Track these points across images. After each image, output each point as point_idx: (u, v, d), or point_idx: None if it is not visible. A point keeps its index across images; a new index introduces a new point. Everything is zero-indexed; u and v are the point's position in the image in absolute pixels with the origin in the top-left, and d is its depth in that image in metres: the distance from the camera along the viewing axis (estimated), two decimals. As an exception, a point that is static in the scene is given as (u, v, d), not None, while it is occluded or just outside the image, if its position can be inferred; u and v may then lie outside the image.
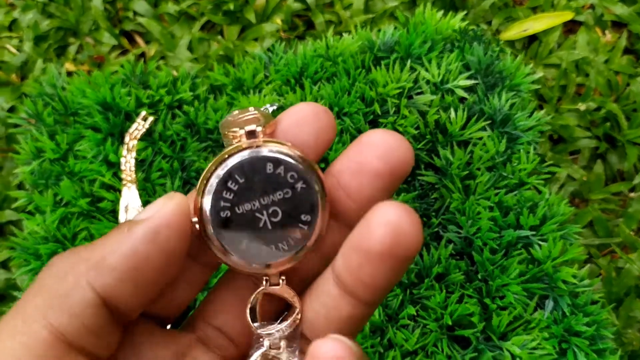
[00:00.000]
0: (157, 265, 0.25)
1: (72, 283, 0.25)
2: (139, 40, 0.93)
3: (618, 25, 0.94)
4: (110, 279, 0.25)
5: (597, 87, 0.86)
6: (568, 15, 0.89)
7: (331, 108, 0.73)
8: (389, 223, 0.24)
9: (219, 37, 0.91)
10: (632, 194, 0.78)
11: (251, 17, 0.90)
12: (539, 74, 0.79)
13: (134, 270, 0.25)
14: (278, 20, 0.91)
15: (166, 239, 0.25)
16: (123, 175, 0.68)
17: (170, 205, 0.26)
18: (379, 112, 0.71)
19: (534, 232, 0.65)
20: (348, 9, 0.92)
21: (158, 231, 0.25)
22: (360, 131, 0.70)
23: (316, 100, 0.73)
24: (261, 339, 0.29)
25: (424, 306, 0.63)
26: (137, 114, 0.73)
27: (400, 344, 0.62)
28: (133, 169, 0.68)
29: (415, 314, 0.63)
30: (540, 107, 0.85)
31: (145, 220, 0.25)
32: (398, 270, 0.25)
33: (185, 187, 0.72)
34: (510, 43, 0.90)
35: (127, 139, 0.70)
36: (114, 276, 0.25)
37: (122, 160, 0.68)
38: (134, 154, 0.69)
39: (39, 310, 0.25)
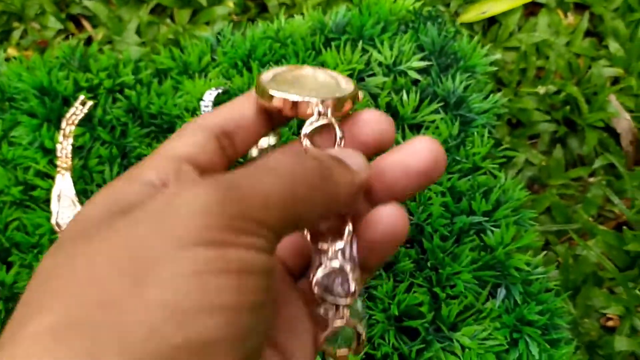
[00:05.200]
0: None
1: None
2: (86, 24, 0.89)
3: (581, 7, 0.92)
4: None
5: (557, 70, 0.84)
6: (529, -3, 0.87)
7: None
8: (432, 150, 0.29)
9: (169, 20, 0.88)
10: (591, 179, 0.76)
11: (202, -1, 0.87)
12: (497, 55, 0.76)
13: None
14: (230, 3, 0.88)
15: None
16: (58, 162, 0.64)
17: None
18: (328, 95, 0.68)
19: (486, 218, 0.63)
20: (303, -9, 0.89)
21: None
22: (308, 115, 0.68)
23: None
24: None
25: (370, 296, 0.61)
26: (76, 99, 0.70)
27: (346, 336, 0.59)
28: (70, 155, 0.65)
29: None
30: (499, 91, 0.83)
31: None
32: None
33: (127, 174, 0.68)
34: (469, 26, 0.87)
35: (64, 124, 0.66)
36: None
37: (58, 146, 0.65)
38: (70, 140, 0.66)
39: None
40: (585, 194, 0.75)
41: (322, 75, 0.34)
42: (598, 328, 0.68)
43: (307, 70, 0.34)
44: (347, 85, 0.33)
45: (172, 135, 0.28)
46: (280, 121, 0.32)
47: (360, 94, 0.35)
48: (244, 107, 0.30)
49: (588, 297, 0.68)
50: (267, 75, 0.32)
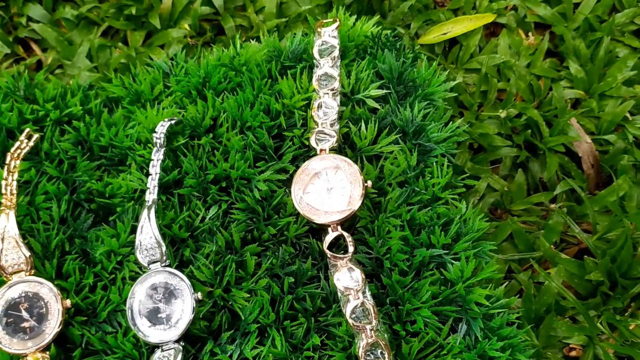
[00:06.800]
0: None
1: None
2: (35, 47, 0.86)
3: (542, 26, 0.92)
4: None
5: (518, 92, 0.83)
6: (489, 18, 0.86)
7: (234, 122, 0.67)
8: None
9: (122, 44, 0.85)
10: (552, 205, 0.75)
11: (156, 22, 0.84)
12: (458, 80, 0.75)
13: None
14: (185, 26, 0.85)
15: None
16: (2, 200, 0.61)
17: None
18: (285, 126, 0.66)
19: (446, 251, 0.62)
20: (260, 13, 0.87)
21: None
22: (264, 147, 0.66)
23: (219, 114, 0.68)
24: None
25: (330, 335, 0.59)
26: (21, 131, 0.67)
27: (305, 377, 0.57)
28: (15, 192, 0.62)
29: (319, 344, 0.58)
30: (461, 115, 0.81)
31: None
32: None
33: (76, 210, 0.66)
34: (430, 47, 0.86)
35: (8, 159, 0.63)
36: None
37: (3, 183, 0.62)
38: (15, 175, 0.63)
39: None
40: (546, 220, 0.74)
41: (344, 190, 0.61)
42: (561, 359, 0.67)
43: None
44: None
45: None
46: None
47: (369, 183, 0.61)
48: None
49: (551, 328, 0.67)
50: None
